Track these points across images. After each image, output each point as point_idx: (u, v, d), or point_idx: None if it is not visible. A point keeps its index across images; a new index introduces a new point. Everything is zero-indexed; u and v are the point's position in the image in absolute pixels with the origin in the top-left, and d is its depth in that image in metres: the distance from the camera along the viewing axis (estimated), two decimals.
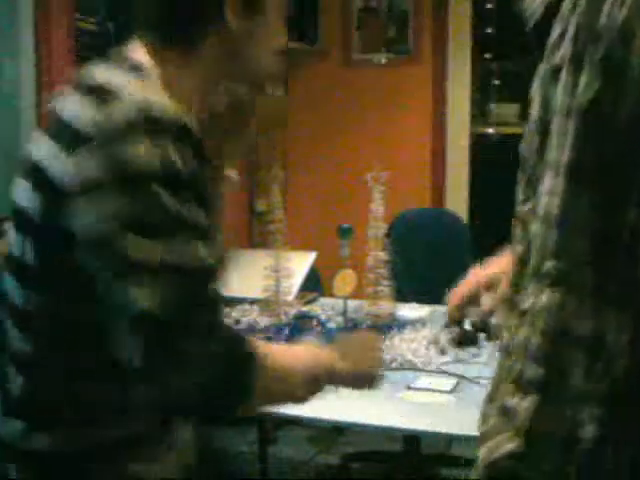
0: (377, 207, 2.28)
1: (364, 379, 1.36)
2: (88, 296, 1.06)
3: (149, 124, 1.00)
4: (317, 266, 2.80)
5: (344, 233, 2.28)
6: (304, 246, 2.68)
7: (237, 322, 2.32)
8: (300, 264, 2.64)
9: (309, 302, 2.65)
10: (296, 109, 4.34)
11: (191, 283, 1.04)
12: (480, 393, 1.80)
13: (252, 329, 2.25)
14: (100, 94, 1.03)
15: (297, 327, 2.22)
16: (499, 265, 1.45)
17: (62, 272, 1.09)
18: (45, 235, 1.09)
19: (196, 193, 1.05)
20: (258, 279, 2.39)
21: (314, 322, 2.23)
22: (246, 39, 1.17)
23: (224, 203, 1.29)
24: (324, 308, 2.38)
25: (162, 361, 1.04)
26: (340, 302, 2.32)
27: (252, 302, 2.43)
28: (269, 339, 2.16)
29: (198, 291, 1.06)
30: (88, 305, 1.08)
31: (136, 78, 1.07)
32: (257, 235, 4.29)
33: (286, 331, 2.17)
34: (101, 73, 1.08)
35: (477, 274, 1.53)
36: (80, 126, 1.02)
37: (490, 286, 1.47)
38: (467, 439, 1.68)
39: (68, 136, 1.04)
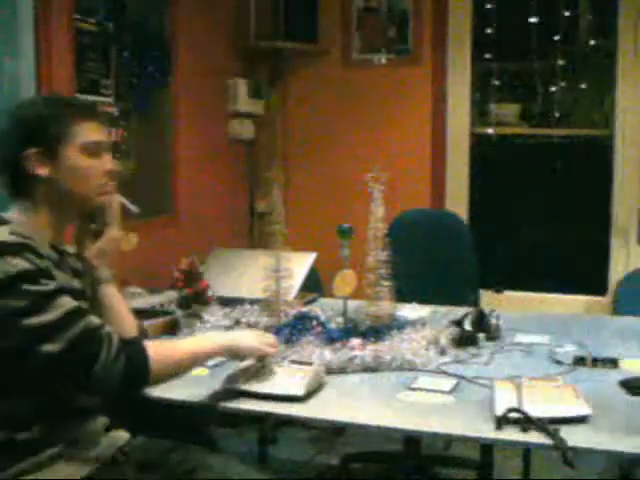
0: (377, 207, 2.28)
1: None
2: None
3: None
4: (317, 266, 2.80)
5: (344, 233, 2.28)
6: (304, 246, 2.67)
7: (237, 322, 2.32)
8: (300, 264, 2.64)
9: (309, 302, 2.65)
10: (296, 109, 4.35)
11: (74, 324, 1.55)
12: (480, 393, 1.81)
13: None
14: None
15: (297, 327, 2.22)
16: None
17: None
18: None
19: (45, 275, 1.55)
20: (258, 279, 2.39)
21: (314, 322, 2.23)
22: (60, 180, 1.64)
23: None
24: (324, 308, 2.38)
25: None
26: (340, 302, 2.32)
27: (252, 302, 2.43)
28: None
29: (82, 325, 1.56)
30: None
31: None
32: (257, 235, 4.30)
33: (286, 331, 2.17)
34: None
35: None
36: None
37: None
38: (467, 439, 1.68)
39: None
